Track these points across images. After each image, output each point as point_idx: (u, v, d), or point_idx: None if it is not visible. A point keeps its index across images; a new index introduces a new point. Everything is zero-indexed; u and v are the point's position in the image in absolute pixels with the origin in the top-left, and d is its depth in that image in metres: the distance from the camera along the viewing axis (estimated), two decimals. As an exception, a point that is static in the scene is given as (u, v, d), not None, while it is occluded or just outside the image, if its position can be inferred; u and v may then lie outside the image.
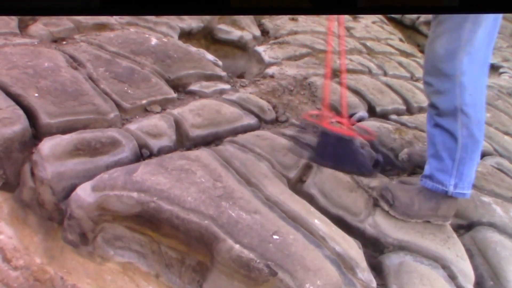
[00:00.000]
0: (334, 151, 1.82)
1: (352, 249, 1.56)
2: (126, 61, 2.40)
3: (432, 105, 1.75)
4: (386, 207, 1.81)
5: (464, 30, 1.61)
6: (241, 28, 3.64)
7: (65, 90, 1.94)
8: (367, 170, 1.80)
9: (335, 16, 1.92)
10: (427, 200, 1.79)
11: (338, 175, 1.97)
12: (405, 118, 2.90)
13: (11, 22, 2.51)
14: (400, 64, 3.94)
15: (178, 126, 2.04)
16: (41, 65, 2.07)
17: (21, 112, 1.75)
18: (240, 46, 3.57)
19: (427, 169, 1.81)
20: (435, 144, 1.77)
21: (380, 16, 5.00)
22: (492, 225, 1.98)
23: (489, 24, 1.62)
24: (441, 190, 1.77)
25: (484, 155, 2.67)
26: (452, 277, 1.65)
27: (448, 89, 1.67)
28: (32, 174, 1.63)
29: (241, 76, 3.25)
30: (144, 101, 2.16)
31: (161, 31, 3.03)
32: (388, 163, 2.45)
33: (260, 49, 3.43)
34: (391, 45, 4.43)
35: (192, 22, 3.40)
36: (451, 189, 1.75)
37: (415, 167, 2.14)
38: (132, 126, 1.93)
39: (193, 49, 2.93)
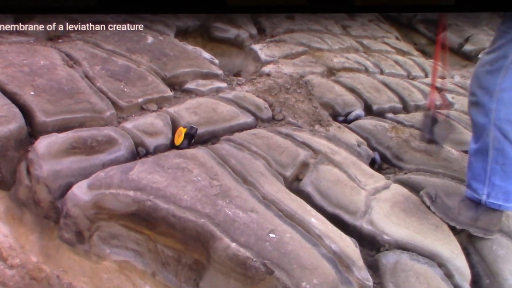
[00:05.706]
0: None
1: (349, 247, 1.56)
2: (122, 59, 2.40)
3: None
4: (428, 202, 1.89)
5: None
6: (238, 26, 3.64)
7: (61, 88, 1.94)
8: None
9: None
10: (467, 209, 1.85)
11: (334, 173, 1.97)
12: (401, 117, 2.90)
13: (6, 20, 2.50)
14: (397, 62, 3.95)
15: (174, 124, 2.04)
16: (37, 63, 2.06)
17: (17, 110, 1.74)
18: (236, 44, 3.56)
19: (467, 178, 1.89)
20: (470, 154, 1.86)
21: (376, 14, 5.00)
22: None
23: None
24: (475, 198, 1.83)
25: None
26: (448, 275, 1.65)
27: (486, 103, 1.74)
28: (28, 172, 1.63)
29: (237, 74, 3.25)
30: (140, 100, 2.16)
31: (157, 29, 3.02)
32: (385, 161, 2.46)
33: (256, 47, 3.42)
34: (388, 43, 4.43)
35: (188, 20, 3.39)
36: (484, 198, 1.80)
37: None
38: (128, 125, 1.93)
39: (189, 47, 2.92)
